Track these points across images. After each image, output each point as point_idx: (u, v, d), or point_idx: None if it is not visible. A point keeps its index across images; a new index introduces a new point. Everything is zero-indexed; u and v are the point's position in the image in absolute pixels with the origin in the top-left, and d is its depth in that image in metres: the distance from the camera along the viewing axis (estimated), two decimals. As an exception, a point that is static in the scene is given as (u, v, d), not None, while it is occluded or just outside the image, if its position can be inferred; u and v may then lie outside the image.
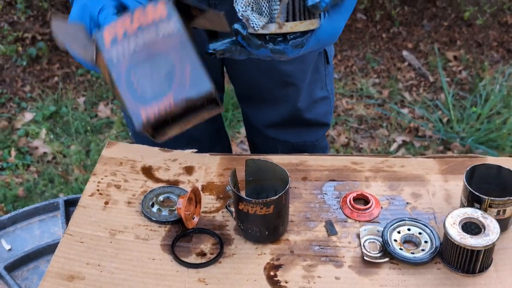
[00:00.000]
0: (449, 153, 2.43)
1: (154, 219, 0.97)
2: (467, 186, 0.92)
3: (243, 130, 2.57)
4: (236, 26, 0.72)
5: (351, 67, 2.99)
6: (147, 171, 1.09)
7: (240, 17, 0.70)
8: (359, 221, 0.98)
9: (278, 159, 1.14)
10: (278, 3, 0.68)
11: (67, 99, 2.77)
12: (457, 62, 3.00)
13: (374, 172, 1.08)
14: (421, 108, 2.67)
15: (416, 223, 0.95)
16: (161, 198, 1.02)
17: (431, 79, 2.88)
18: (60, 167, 2.43)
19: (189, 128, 1.31)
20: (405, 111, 2.67)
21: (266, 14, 0.69)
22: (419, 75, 2.92)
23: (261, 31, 0.69)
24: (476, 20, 3.17)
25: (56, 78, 2.92)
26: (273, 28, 0.69)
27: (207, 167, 1.11)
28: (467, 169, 0.95)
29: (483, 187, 0.96)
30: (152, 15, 0.71)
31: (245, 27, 0.71)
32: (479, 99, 2.68)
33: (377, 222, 0.98)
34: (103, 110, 2.73)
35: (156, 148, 1.16)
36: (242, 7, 0.70)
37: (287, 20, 0.69)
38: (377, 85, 2.86)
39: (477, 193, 0.91)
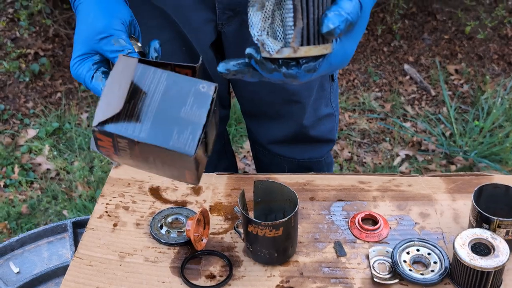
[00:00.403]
0: (453, 167, 2.43)
1: (163, 241, 0.97)
2: (476, 206, 0.93)
3: (246, 145, 2.57)
4: (249, 50, 0.73)
5: (353, 81, 3.00)
6: (155, 192, 1.10)
7: (256, 42, 0.71)
8: (368, 242, 0.98)
9: (284, 178, 1.14)
10: (293, 28, 0.69)
11: (70, 115, 2.78)
12: (458, 75, 3.01)
13: (382, 192, 1.08)
14: (424, 122, 2.68)
15: (425, 244, 0.95)
16: (169, 219, 1.02)
17: (433, 92, 2.89)
18: (63, 184, 2.43)
19: None
20: (407, 125, 2.68)
21: (280, 38, 0.70)
22: (421, 89, 2.93)
23: (275, 56, 0.70)
24: (477, 34, 3.19)
25: (59, 94, 2.93)
26: (287, 53, 0.69)
27: (215, 187, 1.11)
28: (475, 189, 0.95)
29: (491, 206, 0.97)
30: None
31: (259, 51, 0.71)
32: (481, 112, 2.68)
33: (386, 243, 0.98)
34: (106, 126, 2.73)
35: (163, 169, 1.16)
36: (258, 32, 0.70)
37: (302, 45, 0.69)
38: (379, 99, 2.87)
39: (486, 214, 0.91)
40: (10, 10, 3.22)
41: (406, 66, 3.07)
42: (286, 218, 0.88)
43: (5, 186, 2.43)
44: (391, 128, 2.64)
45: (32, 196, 2.37)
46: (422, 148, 2.55)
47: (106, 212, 1.04)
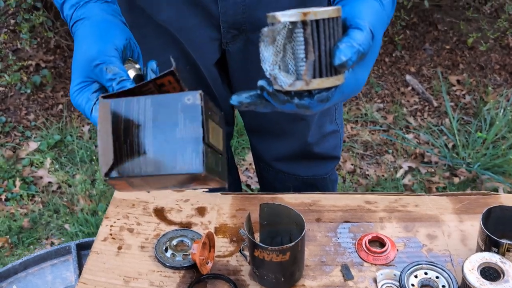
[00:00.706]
0: (456, 179, 2.42)
1: (168, 264, 0.96)
2: (484, 230, 0.92)
3: (248, 158, 2.57)
4: (261, 82, 0.73)
5: (355, 92, 2.99)
6: (160, 213, 1.09)
7: (268, 76, 0.70)
8: (375, 265, 0.97)
9: (290, 198, 1.13)
10: (304, 60, 0.68)
11: (71, 128, 2.77)
12: (460, 86, 3.01)
13: (389, 213, 1.07)
14: (426, 133, 2.67)
15: (433, 267, 0.94)
16: (174, 242, 1.01)
17: (435, 103, 2.88)
18: (65, 197, 2.42)
19: None
20: (410, 136, 2.67)
21: (292, 71, 0.70)
22: (423, 100, 2.93)
23: (288, 89, 0.69)
24: (479, 44, 3.19)
25: (60, 106, 2.93)
26: (299, 86, 0.69)
27: (219, 208, 1.10)
28: (483, 211, 0.94)
29: (500, 228, 0.96)
30: None
31: (271, 84, 0.71)
32: (483, 123, 2.67)
33: (394, 266, 0.97)
34: (108, 138, 2.72)
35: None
36: (270, 66, 0.70)
37: (314, 77, 0.69)
38: (382, 110, 2.86)
39: (494, 237, 0.90)
40: (12, 21, 3.22)
41: (408, 77, 3.07)
42: (293, 243, 0.87)
43: (7, 199, 2.42)
44: (393, 140, 2.63)
45: (34, 210, 2.36)
46: (425, 160, 2.54)
47: (111, 234, 1.03)
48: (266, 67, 0.70)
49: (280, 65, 0.70)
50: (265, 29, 0.70)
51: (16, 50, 3.13)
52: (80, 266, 0.98)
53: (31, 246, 2.22)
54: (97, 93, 0.78)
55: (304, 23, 0.68)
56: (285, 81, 0.69)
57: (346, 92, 0.72)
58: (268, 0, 1.06)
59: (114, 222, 1.06)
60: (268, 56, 0.70)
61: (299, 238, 0.88)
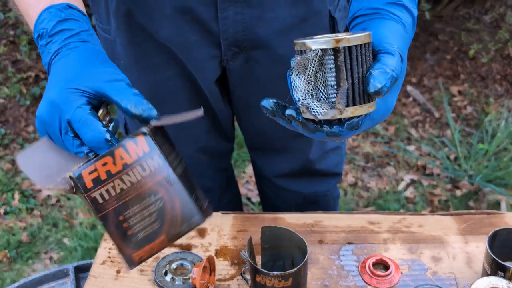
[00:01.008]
0: (458, 192, 2.40)
1: (168, 289, 0.94)
2: (490, 253, 0.90)
3: (248, 170, 2.55)
4: (289, 112, 0.71)
5: (356, 103, 2.98)
6: (159, 235, 1.07)
7: (300, 106, 0.68)
8: (379, 289, 0.95)
9: (292, 218, 1.11)
10: (335, 87, 0.66)
11: (71, 140, 2.75)
12: (461, 96, 2.99)
13: (392, 234, 1.06)
14: (428, 145, 2.66)
15: (438, 291, 0.92)
16: (174, 265, 0.99)
17: (437, 114, 2.87)
18: (64, 211, 2.40)
19: (200, 178, 1.30)
20: (411, 148, 2.65)
21: (324, 99, 0.68)
22: (425, 111, 2.91)
23: (321, 118, 0.67)
24: (481, 57, 3.18)
25: (59, 118, 2.91)
26: (332, 114, 0.67)
27: (220, 229, 1.09)
28: (489, 235, 0.92)
29: (505, 251, 0.94)
30: (134, 153, 0.69)
31: (299, 113, 0.69)
32: (485, 135, 2.66)
33: (398, 289, 0.95)
34: (108, 151, 2.71)
35: (167, 209, 1.13)
36: (302, 96, 0.68)
37: (347, 105, 0.67)
38: (383, 121, 2.85)
39: (501, 262, 0.89)
40: (11, 33, 3.22)
41: (409, 88, 3.05)
42: (295, 269, 0.85)
43: (5, 213, 2.40)
44: (395, 152, 2.62)
45: (33, 223, 2.34)
46: (427, 172, 2.52)
47: (109, 257, 1.01)
48: (298, 96, 0.68)
49: (312, 94, 0.68)
50: (298, 58, 0.68)
51: (16, 61, 3.12)
52: (78, 290, 0.97)
53: (30, 261, 2.20)
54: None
55: (336, 50, 0.66)
56: (320, 111, 0.67)
57: (376, 119, 0.71)
58: (269, 18, 1.05)
59: (113, 244, 1.04)
60: (300, 85, 0.68)
61: (302, 264, 0.86)
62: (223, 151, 1.34)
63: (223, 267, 1.00)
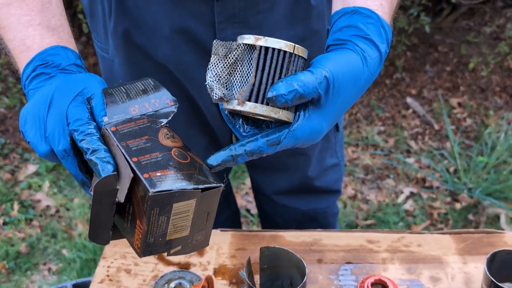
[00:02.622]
0: (457, 205, 2.40)
1: (166, 309, 0.94)
2: (489, 275, 0.90)
3: (248, 182, 2.55)
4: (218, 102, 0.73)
5: (356, 114, 2.99)
6: (158, 253, 1.07)
7: (206, 86, 0.71)
8: (378, 309, 0.95)
9: (291, 236, 1.11)
10: (246, 80, 0.70)
11: (70, 150, 2.76)
12: (461, 108, 3.00)
13: (391, 253, 1.06)
14: (427, 157, 2.66)
15: (437, 313, 0.92)
16: (172, 285, 0.99)
17: (436, 126, 2.87)
18: (63, 221, 2.40)
19: None
20: (411, 160, 2.65)
21: (232, 91, 0.71)
22: (424, 123, 2.92)
23: (225, 106, 0.71)
24: (481, 70, 3.19)
25: (59, 128, 2.91)
26: (233, 105, 0.70)
27: (219, 247, 1.09)
28: (488, 256, 0.92)
29: (504, 272, 0.94)
30: None
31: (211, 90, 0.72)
32: (485, 147, 2.66)
33: (396, 310, 0.95)
34: (107, 161, 2.71)
35: (166, 226, 1.13)
36: (211, 78, 0.71)
37: (249, 100, 0.70)
38: (383, 133, 2.85)
39: (499, 284, 0.89)
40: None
41: (409, 100, 3.06)
42: (294, 290, 0.85)
43: (4, 223, 2.39)
44: (394, 164, 2.62)
45: (31, 234, 2.34)
46: (427, 184, 2.52)
47: (108, 276, 1.01)
48: (209, 75, 0.71)
49: (222, 80, 0.71)
50: (219, 41, 0.71)
51: (16, 71, 3.12)
52: (77, 308, 0.96)
53: (29, 272, 2.20)
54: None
55: (253, 46, 0.69)
56: (217, 93, 0.70)
57: (300, 138, 0.70)
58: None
59: (112, 262, 1.04)
60: (214, 67, 0.71)
61: (300, 285, 0.86)
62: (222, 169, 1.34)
63: (221, 287, 1.00)
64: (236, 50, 0.70)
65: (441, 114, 2.92)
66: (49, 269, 2.21)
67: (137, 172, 0.65)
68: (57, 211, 2.46)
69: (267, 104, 0.70)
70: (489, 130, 2.75)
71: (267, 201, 1.41)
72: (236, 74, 0.71)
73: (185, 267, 1.04)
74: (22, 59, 0.78)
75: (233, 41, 0.71)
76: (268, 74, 0.70)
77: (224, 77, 0.71)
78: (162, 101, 0.78)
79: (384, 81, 3.20)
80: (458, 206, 2.39)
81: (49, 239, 2.32)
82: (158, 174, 0.65)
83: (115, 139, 0.68)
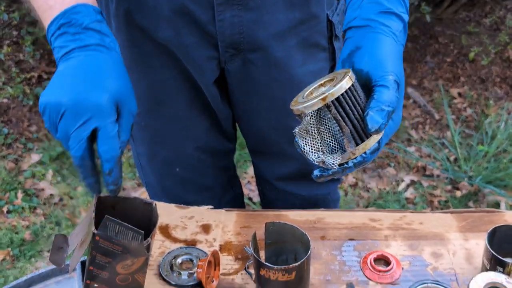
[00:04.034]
0: (458, 193, 2.42)
1: (173, 283, 0.96)
2: (490, 249, 0.92)
3: (250, 171, 2.57)
4: (316, 172, 0.78)
5: (357, 104, 3.00)
6: (164, 230, 1.09)
7: (317, 164, 0.76)
8: (381, 283, 0.97)
9: (294, 215, 1.13)
10: (341, 132, 0.72)
11: (73, 140, 2.77)
12: (461, 99, 3.02)
13: (393, 230, 1.08)
14: (428, 146, 2.68)
15: (438, 286, 0.94)
16: (179, 260, 1.01)
17: (437, 116, 2.89)
18: (67, 209, 2.42)
19: (201, 177, 1.33)
20: (412, 149, 2.67)
21: (336, 147, 0.75)
22: (425, 113, 2.93)
23: (338, 164, 0.75)
24: (481, 59, 3.20)
25: (62, 118, 2.93)
26: (347, 158, 0.75)
27: (224, 225, 1.11)
28: (489, 231, 0.94)
29: (505, 247, 0.96)
30: None
31: (323, 170, 0.77)
32: (485, 137, 2.68)
33: (399, 284, 0.97)
34: (110, 151, 2.73)
35: (172, 205, 1.15)
36: (314, 156, 0.76)
37: (357, 145, 0.74)
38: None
39: (500, 257, 0.90)
40: (15, 33, 3.24)
41: (409, 90, 3.07)
42: (299, 262, 0.87)
43: (8, 212, 2.42)
44: (395, 153, 2.64)
45: (36, 222, 2.36)
46: (427, 173, 2.54)
47: (116, 252, 1.02)
48: (311, 158, 0.75)
49: (323, 149, 0.75)
50: (296, 129, 0.75)
51: (19, 62, 3.14)
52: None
53: (33, 259, 2.22)
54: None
55: (327, 106, 0.73)
56: (333, 162, 0.75)
57: (390, 135, 0.78)
58: (266, 21, 1.06)
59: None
60: (308, 149, 0.75)
61: (305, 258, 0.88)
62: (224, 150, 1.35)
63: (227, 262, 1.02)
64: (311, 120, 0.74)
65: (442, 104, 2.94)
66: (42, 269, 2.23)
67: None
68: (61, 199, 2.48)
69: (370, 135, 0.75)
70: (489, 120, 2.76)
71: (269, 186, 1.43)
72: (325, 134, 0.75)
73: (191, 244, 1.06)
74: (46, 17, 0.82)
75: (300, 115, 0.74)
76: (353, 114, 0.74)
77: (320, 147, 0.75)
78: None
79: (385, 72, 3.22)
80: (458, 194, 2.41)
81: (53, 226, 2.34)
82: (95, 286, 0.89)
83: (93, 245, 0.84)
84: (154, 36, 1.08)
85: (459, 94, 3.05)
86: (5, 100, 2.98)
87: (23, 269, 2.16)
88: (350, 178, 2.51)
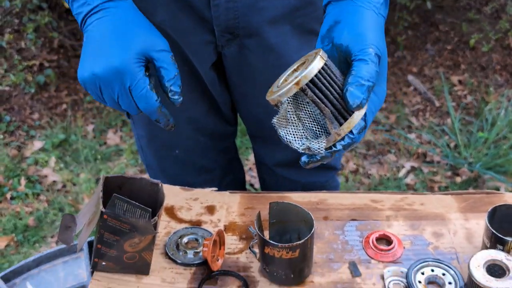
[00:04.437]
0: (458, 179, 2.44)
1: (179, 261, 0.98)
2: (490, 227, 0.93)
3: (251, 158, 2.59)
4: (304, 158, 0.78)
5: (357, 92, 3.01)
6: (170, 211, 1.11)
7: (303, 151, 0.75)
8: (383, 262, 0.99)
9: (297, 197, 1.15)
10: (323, 114, 0.71)
11: (76, 127, 2.79)
12: (461, 86, 3.03)
13: (395, 211, 1.09)
14: (428, 133, 2.69)
15: (439, 264, 0.96)
16: (185, 239, 1.03)
17: (437, 103, 2.90)
18: (70, 196, 2.44)
19: (200, 159, 1.34)
20: (412, 136, 2.69)
21: (320, 132, 0.73)
22: (425, 100, 2.95)
23: (326, 147, 0.74)
24: (480, 45, 3.21)
25: (64, 106, 2.94)
26: (333, 139, 0.73)
27: (228, 206, 1.12)
28: (489, 210, 0.96)
29: (505, 226, 0.98)
30: None
31: (311, 156, 0.76)
32: (485, 123, 2.70)
33: (400, 263, 0.99)
34: (112, 138, 2.74)
35: (177, 187, 1.17)
36: (299, 144, 0.75)
37: (340, 124, 0.72)
38: (384, 110, 2.88)
39: (500, 235, 0.92)
40: (16, 21, 3.24)
41: (410, 77, 3.08)
42: (302, 240, 0.89)
43: (12, 198, 2.44)
44: (396, 139, 2.65)
45: (39, 208, 2.38)
46: (427, 159, 2.56)
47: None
48: (296, 146, 0.74)
49: (306, 135, 0.74)
50: (274, 120, 0.74)
51: (20, 50, 3.15)
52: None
53: (37, 244, 2.24)
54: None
55: (302, 90, 0.71)
56: (319, 147, 0.73)
57: (375, 111, 0.78)
58: (261, 7, 1.07)
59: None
60: (291, 137, 0.74)
61: (309, 236, 0.90)
62: (223, 133, 1.35)
63: (232, 242, 1.04)
64: (289, 106, 0.72)
65: (442, 91, 2.95)
66: (57, 242, 2.25)
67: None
68: (64, 186, 2.50)
69: (352, 113, 0.73)
70: (490, 107, 2.78)
71: (269, 172, 1.44)
72: (306, 119, 0.74)
73: (196, 224, 1.07)
74: None
75: (277, 104, 0.74)
76: (331, 93, 0.72)
77: (303, 134, 0.74)
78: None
79: (386, 59, 3.23)
80: (458, 180, 2.43)
81: (56, 212, 2.36)
82: (103, 263, 0.93)
83: (101, 224, 0.88)
84: (152, 20, 1.09)
85: (460, 82, 3.06)
86: (7, 88, 2.99)
87: (27, 254, 2.19)
88: (351, 165, 2.53)
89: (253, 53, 1.13)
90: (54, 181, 2.51)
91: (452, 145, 2.63)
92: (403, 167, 2.52)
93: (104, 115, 2.89)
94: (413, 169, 2.51)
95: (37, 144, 2.70)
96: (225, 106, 1.28)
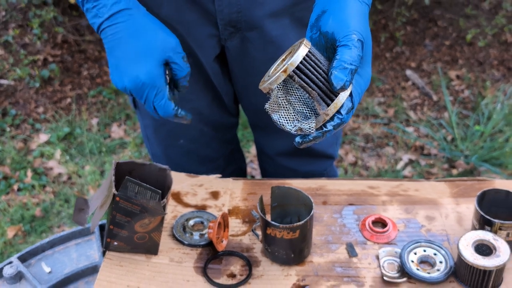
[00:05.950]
0: (454, 171, 2.50)
1: (186, 243, 1.04)
2: (479, 210, 0.99)
3: (252, 150, 2.64)
4: (297, 139, 0.83)
5: (356, 86, 3.07)
6: (176, 197, 1.16)
7: (295, 133, 0.81)
8: (378, 243, 1.05)
9: (298, 183, 1.20)
10: (311, 97, 0.78)
11: (80, 120, 2.85)
12: (459, 81, 3.08)
13: (390, 196, 1.15)
14: (426, 126, 2.75)
15: (431, 245, 1.02)
16: (191, 222, 1.08)
17: (435, 98, 2.96)
18: (75, 187, 2.50)
19: (204, 149, 1.40)
20: (410, 129, 2.74)
21: (310, 113, 0.79)
22: (423, 94, 3.00)
23: (317, 128, 0.80)
24: (478, 40, 3.26)
25: (69, 100, 3.00)
26: (322, 119, 0.79)
27: (232, 192, 1.18)
28: (478, 193, 1.02)
29: (493, 210, 1.03)
30: None
31: (304, 135, 0.81)
32: (481, 117, 2.75)
33: (395, 244, 1.05)
34: (116, 131, 2.80)
35: (183, 174, 1.23)
36: (290, 126, 0.81)
37: (328, 105, 0.78)
38: (383, 104, 2.94)
39: (488, 217, 0.98)
40: (21, 16, 3.30)
41: (408, 72, 3.14)
42: (302, 222, 0.95)
43: (19, 189, 2.49)
44: (394, 133, 2.71)
45: (45, 199, 2.44)
46: (425, 152, 2.62)
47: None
48: (288, 128, 0.80)
49: (297, 118, 0.80)
50: (266, 105, 0.80)
51: (25, 44, 3.20)
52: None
53: (44, 234, 2.30)
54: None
55: (290, 76, 0.78)
56: (309, 127, 0.79)
57: (361, 93, 0.83)
58: (262, 1, 1.11)
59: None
60: (283, 121, 0.80)
61: (308, 217, 0.96)
62: (226, 124, 1.41)
63: (235, 225, 1.10)
64: (279, 93, 0.79)
65: (440, 86, 3.01)
66: (63, 231, 2.31)
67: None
68: (69, 177, 2.55)
69: (338, 93, 0.80)
70: (486, 101, 2.83)
71: (269, 162, 1.49)
72: (296, 103, 0.80)
73: (202, 208, 1.13)
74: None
75: (268, 92, 0.80)
76: (317, 77, 0.79)
77: (294, 116, 0.80)
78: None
79: (384, 55, 3.28)
80: (454, 172, 2.49)
81: (62, 203, 2.42)
82: (115, 243, 1.00)
83: (113, 206, 0.95)
84: (158, 14, 1.14)
85: (457, 76, 3.12)
86: (12, 82, 3.05)
87: (34, 243, 2.24)
88: (350, 157, 2.59)
89: (254, 45, 1.18)
90: (60, 173, 2.57)
91: (449, 138, 2.68)
92: (401, 159, 2.58)
93: (108, 109, 2.94)
94: (410, 161, 2.57)
95: (43, 137, 2.76)
96: (227, 97, 1.33)
